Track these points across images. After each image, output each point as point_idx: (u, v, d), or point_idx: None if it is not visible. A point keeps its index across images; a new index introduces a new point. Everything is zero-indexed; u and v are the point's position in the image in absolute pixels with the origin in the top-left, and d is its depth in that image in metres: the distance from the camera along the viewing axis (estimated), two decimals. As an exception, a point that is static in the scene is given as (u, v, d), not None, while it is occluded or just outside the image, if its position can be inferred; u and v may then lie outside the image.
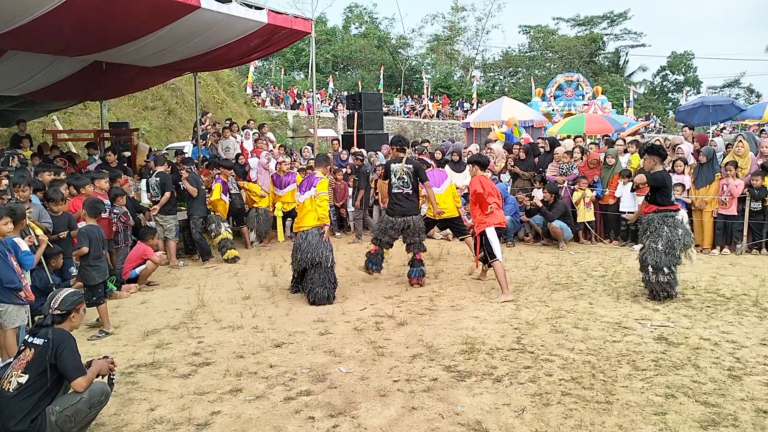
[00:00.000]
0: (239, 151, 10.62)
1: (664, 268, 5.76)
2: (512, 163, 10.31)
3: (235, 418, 3.63)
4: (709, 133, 13.80)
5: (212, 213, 8.65)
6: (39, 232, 5.42)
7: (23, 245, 4.64)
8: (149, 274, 7.17)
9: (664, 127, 36.78)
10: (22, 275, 4.51)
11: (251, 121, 14.23)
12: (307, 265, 6.21)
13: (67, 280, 5.91)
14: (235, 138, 11.33)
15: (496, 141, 14.72)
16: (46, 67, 8.74)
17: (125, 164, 10.46)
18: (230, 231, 8.79)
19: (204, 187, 8.83)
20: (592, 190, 9.24)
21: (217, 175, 8.95)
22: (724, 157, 8.98)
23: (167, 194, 8.19)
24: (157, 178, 8.29)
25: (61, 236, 5.95)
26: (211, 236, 8.61)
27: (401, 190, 6.83)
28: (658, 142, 9.39)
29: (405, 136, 8.20)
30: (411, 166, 6.88)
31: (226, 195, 8.87)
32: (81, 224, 5.96)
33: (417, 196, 6.97)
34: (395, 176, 6.88)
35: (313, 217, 6.27)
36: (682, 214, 6.01)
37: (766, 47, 78.45)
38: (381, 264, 7.03)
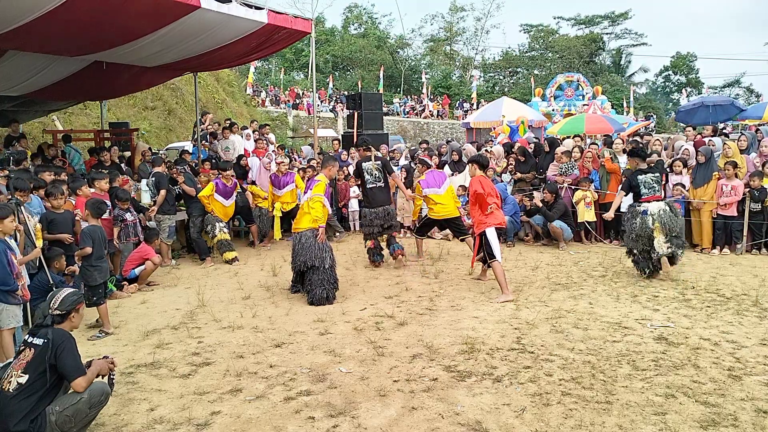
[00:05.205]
0: (241, 152, 10.61)
1: (633, 250, 6.91)
2: (513, 163, 10.31)
3: (235, 418, 3.63)
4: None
5: (209, 214, 8.54)
6: (39, 243, 5.42)
7: (12, 244, 4.62)
8: (149, 275, 7.18)
9: (658, 126, 36.68)
10: (21, 274, 4.51)
11: (254, 122, 14.23)
12: (303, 268, 6.22)
13: (64, 282, 5.89)
14: (237, 138, 11.31)
15: (498, 136, 14.75)
16: (46, 67, 8.75)
17: (124, 164, 10.46)
18: (226, 232, 8.66)
19: (200, 186, 8.82)
20: (589, 187, 9.23)
21: (217, 177, 8.87)
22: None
23: (162, 192, 8.19)
24: (153, 178, 8.32)
25: (67, 241, 5.93)
26: (210, 237, 8.60)
27: (376, 185, 7.65)
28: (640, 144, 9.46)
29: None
30: (379, 162, 7.74)
31: (227, 199, 8.64)
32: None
33: (388, 189, 7.92)
34: (369, 174, 7.65)
35: (309, 219, 6.28)
36: (647, 206, 6.81)
37: (766, 43, 78.50)
38: (381, 254, 7.90)
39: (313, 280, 6.16)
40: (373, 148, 8.01)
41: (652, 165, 7.32)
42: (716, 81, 54.46)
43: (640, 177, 6.90)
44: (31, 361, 3.26)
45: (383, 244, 7.97)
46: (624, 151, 9.74)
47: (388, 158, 11.06)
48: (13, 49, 7.78)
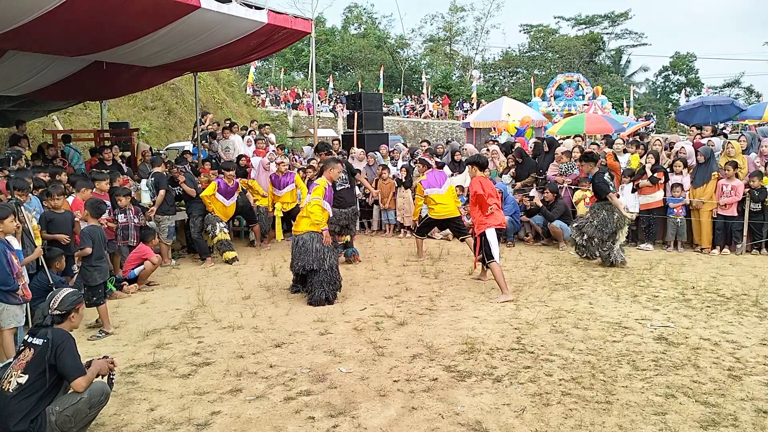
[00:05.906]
0: (241, 152, 10.58)
1: (595, 239, 7.44)
2: (512, 164, 10.29)
3: (235, 418, 3.63)
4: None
5: (210, 214, 8.53)
6: (38, 243, 5.42)
7: (16, 243, 4.64)
8: (148, 275, 7.18)
9: (658, 126, 36.66)
10: (21, 274, 4.51)
11: (254, 122, 14.17)
12: (302, 271, 6.22)
13: (64, 282, 5.88)
14: (237, 138, 11.30)
15: (501, 135, 14.75)
16: (46, 67, 8.74)
17: (125, 164, 10.45)
18: (226, 232, 8.64)
19: (200, 186, 8.81)
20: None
21: (219, 177, 8.85)
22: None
23: (162, 192, 8.19)
24: (152, 178, 8.31)
25: (64, 241, 5.92)
26: (210, 237, 8.59)
27: (344, 186, 8.07)
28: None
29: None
30: (344, 165, 8.13)
31: (228, 199, 8.64)
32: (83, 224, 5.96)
33: (354, 189, 8.45)
34: None
35: (308, 223, 6.27)
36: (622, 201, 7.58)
37: (765, 42, 78.65)
38: (346, 248, 8.20)
39: (314, 282, 6.15)
40: (333, 152, 8.66)
41: (604, 166, 8.02)
42: (716, 81, 54.46)
43: (605, 177, 7.49)
44: (31, 361, 3.25)
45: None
46: (624, 151, 9.75)
47: (389, 158, 11.16)
48: (13, 49, 7.78)
